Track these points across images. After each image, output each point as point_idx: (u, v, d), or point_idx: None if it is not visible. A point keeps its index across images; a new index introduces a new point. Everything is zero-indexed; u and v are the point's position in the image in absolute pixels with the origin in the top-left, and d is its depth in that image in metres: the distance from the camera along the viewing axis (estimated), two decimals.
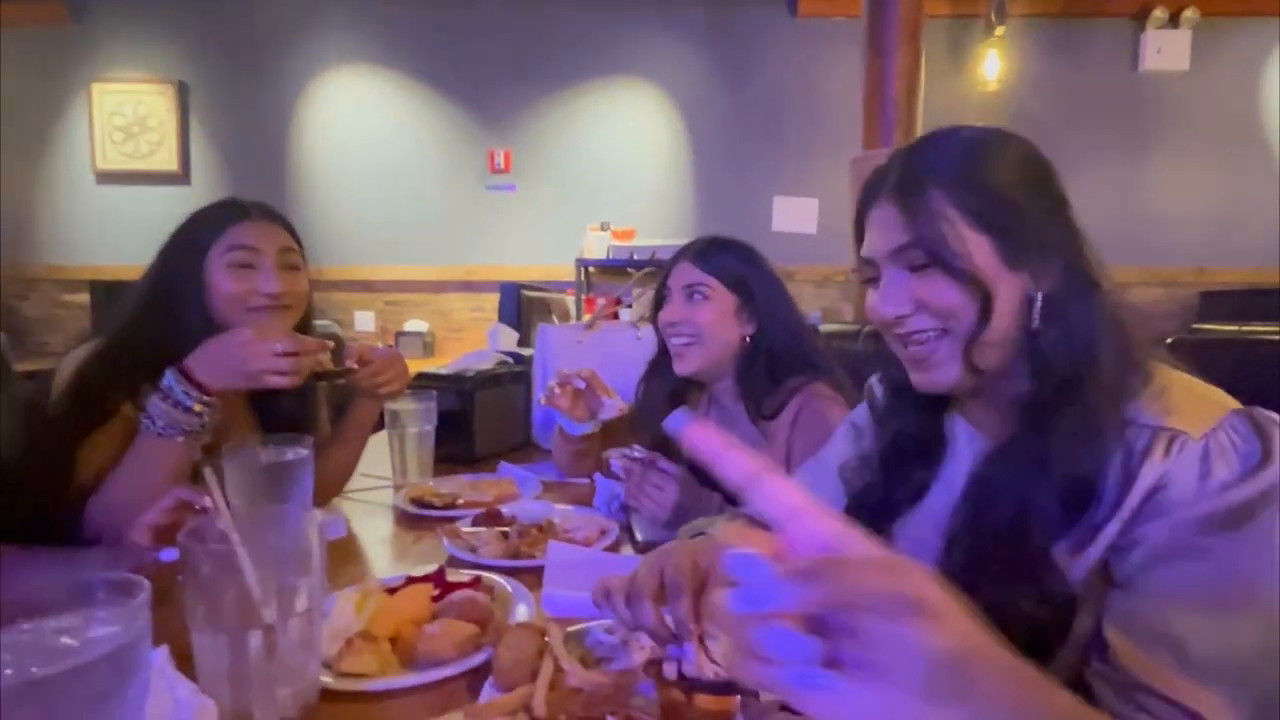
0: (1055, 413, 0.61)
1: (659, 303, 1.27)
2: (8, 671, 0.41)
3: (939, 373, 0.67)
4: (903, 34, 2.32)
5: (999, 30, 4.02)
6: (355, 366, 1.14)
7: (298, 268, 1.10)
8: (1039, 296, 0.63)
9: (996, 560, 0.61)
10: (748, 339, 1.21)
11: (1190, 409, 0.59)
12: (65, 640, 0.42)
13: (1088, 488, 0.59)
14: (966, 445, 0.73)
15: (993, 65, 4.09)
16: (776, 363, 1.19)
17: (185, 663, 0.56)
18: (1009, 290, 0.63)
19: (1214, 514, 0.54)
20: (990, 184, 0.64)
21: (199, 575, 0.56)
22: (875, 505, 0.77)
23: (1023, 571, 0.60)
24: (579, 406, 1.28)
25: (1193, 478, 0.55)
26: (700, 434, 0.37)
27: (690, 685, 0.56)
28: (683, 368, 1.21)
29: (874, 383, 0.88)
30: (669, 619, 0.62)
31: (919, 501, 0.74)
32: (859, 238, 0.73)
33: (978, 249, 0.63)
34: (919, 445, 0.75)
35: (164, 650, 0.52)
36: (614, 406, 1.26)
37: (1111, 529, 0.58)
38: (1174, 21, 4.02)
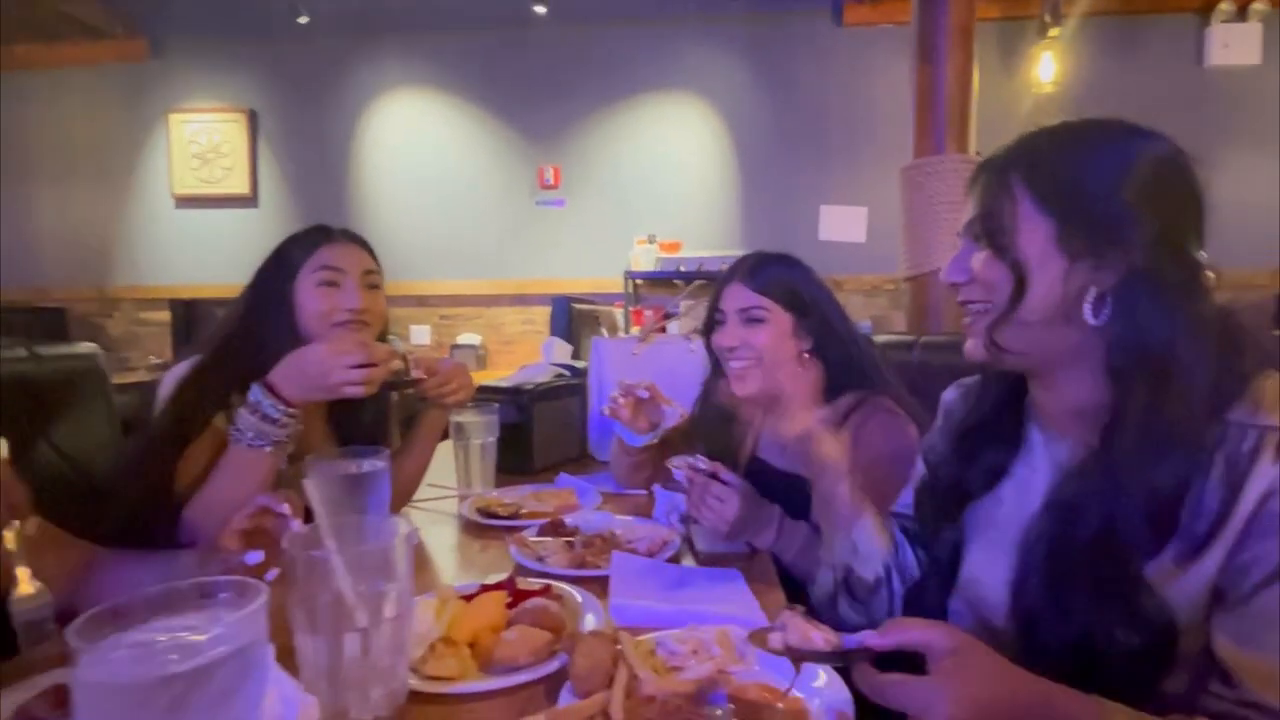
0: (1133, 424, 0.59)
1: (711, 324, 1.26)
2: (140, 666, 0.45)
3: (972, 343, 0.70)
4: (954, 39, 2.29)
5: (1054, 31, 3.91)
6: (423, 376, 1.19)
7: (378, 287, 1.17)
8: (1092, 290, 0.62)
9: (1081, 582, 0.60)
10: (805, 355, 1.21)
11: None
12: (194, 638, 0.46)
13: (1173, 503, 0.57)
14: (1043, 448, 0.72)
15: (1048, 67, 3.99)
16: (834, 377, 1.19)
17: (282, 661, 0.60)
18: (1054, 275, 0.63)
19: None
20: (1067, 170, 0.64)
21: (298, 580, 0.60)
22: (947, 487, 0.78)
23: (1111, 594, 0.58)
24: (640, 417, 1.29)
25: None
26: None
27: (797, 654, 0.58)
28: (743, 389, 1.21)
29: (947, 394, 0.89)
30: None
31: (990, 491, 0.75)
32: None
33: (1034, 229, 0.64)
34: (994, 429, 0.76)
35: (271, 649, 0.56)
36: (675, 413, 1.27)
37: (1225, 542, 0.55)
38: (1242, 15, 3.85)
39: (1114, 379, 0.63)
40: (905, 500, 0.91)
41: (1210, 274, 0.62)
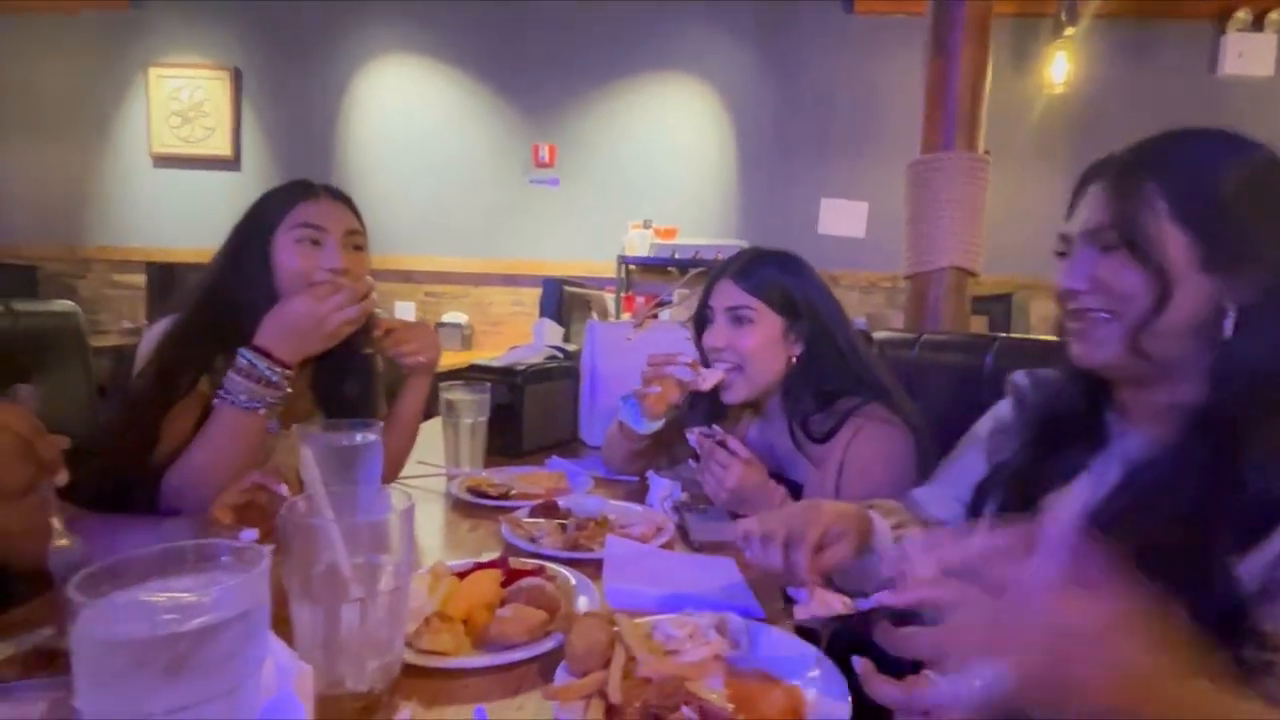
0: (1253, 430, 0.60)
1: (701, 322, 1.24)
2: (144, 624, 0.43)
3: (1095, 350, 0.70)
4: (969, 33, 2.25)
5: (1069, 31, 3.85)
6: (381, 333, 1.18)
7: (361, 248, 1.13)
8: (1232, 307, 0.63)
9: (1158, 565, 0.60)
10: (794, 359, 1.18)
11: None
12: (191, 599, 0.44)
13: (1276, 505, 0.58)
14: (1119, 441, 0.74)
15: (1060, 67, 3.93)
16: (826, 383, 1.15)
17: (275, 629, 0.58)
18: (1194, 289, 0.64)
19: None
20: (1206, 184, 0.64)
21: (293, 549, 0.59)
22: (1023, 477, 0.78)
23: (1191, 578, 0.59)
24: (661, 400, 1.20)
25: None
26: None
27: (821, 621, 0.60)
28: (729, 397, 1.19)
29: (1018, 377, 0.89)
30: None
31: (1068, 483, 0.74)
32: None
33: (1174, 242, 0.64)
34: (1076, 425, 0.77)
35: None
36: (716, 372, 1.19)
37: None
38: (1258, 24, 3.84)
39: (1221, 384, 0.63)
40: (952, 509, 0.89)
41: None
